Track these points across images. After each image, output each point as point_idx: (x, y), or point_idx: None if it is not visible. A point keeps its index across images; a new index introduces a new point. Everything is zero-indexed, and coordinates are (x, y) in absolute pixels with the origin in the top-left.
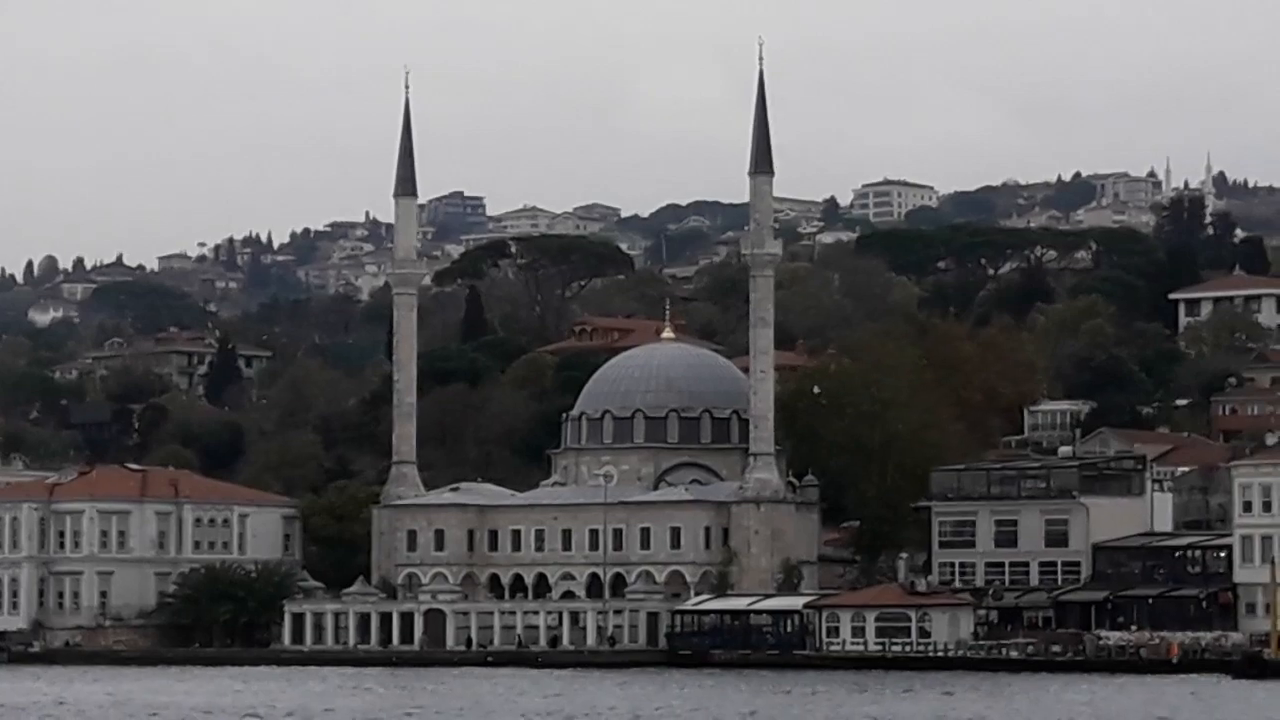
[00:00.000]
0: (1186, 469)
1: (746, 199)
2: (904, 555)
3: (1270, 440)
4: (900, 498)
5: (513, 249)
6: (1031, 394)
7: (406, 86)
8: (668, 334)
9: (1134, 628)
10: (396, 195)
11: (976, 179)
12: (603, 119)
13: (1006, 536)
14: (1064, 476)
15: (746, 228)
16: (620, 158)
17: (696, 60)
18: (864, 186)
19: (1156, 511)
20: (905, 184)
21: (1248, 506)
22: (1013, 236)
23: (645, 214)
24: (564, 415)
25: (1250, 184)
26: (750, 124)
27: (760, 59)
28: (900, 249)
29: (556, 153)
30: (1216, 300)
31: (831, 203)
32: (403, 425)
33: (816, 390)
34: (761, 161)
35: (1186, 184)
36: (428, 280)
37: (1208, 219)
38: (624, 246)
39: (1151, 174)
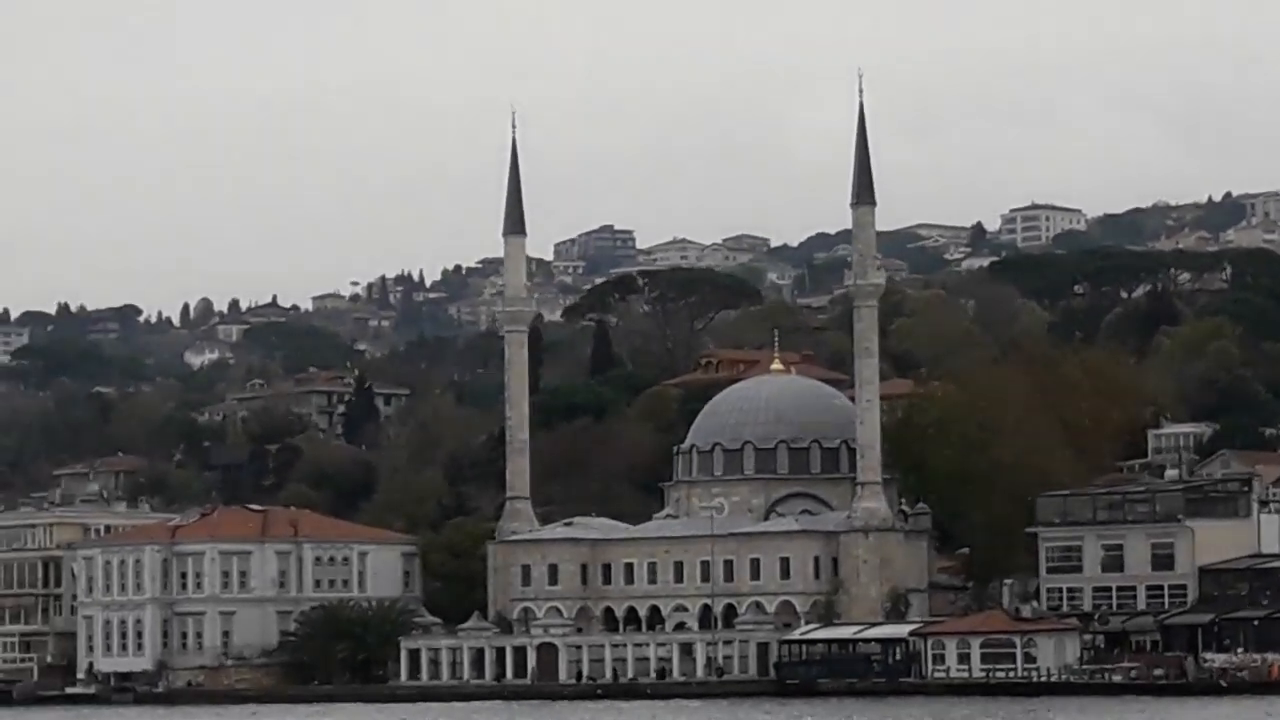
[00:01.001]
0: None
1: (900, 226)
2: (1009, 581)
3: None
4: (1009, 524)
5: (641, 283)
6: (1141, 418)
7: (514, 125)
8: (777, 365)
9: (1240, 650)
10: (505, 234)
11: (1127, 201)
12: (755, 149)
13: (1113, 561)
14: (1169, 500)
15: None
16: (771, 188)
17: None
18: (1011, 211)
19: (1264, 533)
20: (1053, 207)
21: None
22: (1145, 260)
23: (795, 244)
24: (675, 448)
25: None
26: (914, 152)
27: (860, 90)
28: (1033, 274)
29: (708, 185)
30: None
31: (979, 228)
32: (515, 461)
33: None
34: (863, 192)
35: None
36: (558, 316)
37: None
38: (774, 277)
39: None
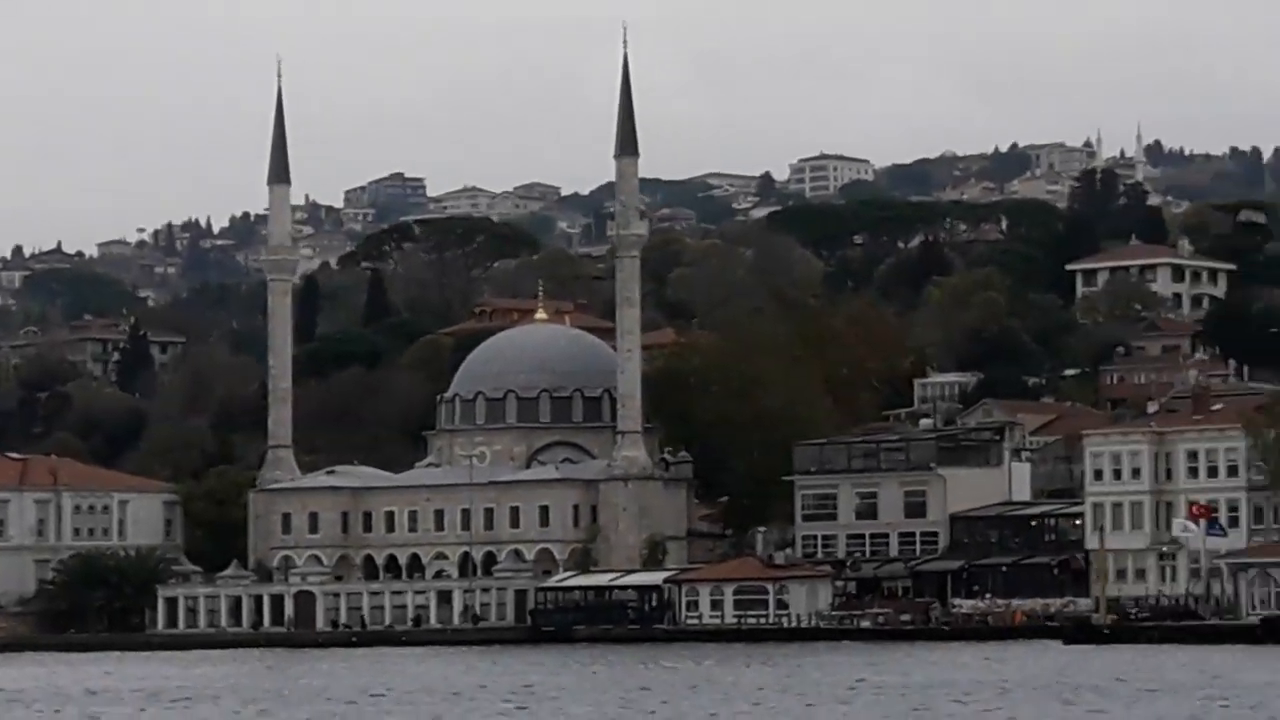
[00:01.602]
0: (1053, 438)
1: (690, 175)
2: (762, 529)
3: (1152, 408)
4: (769, 473)
5: (418, 231)
6: (905, 368)
7: (279, 75)
8: (541, 315)
9: (988, 596)
10: (270, 182)
11: (918, 152)
12: (548, 98)
13: (867, 509)
14: (922, 449)
15: (621, 207)
16: (563, 137)
17: (639, 36)
18: (800, 161)
19: (1015, 481)
20: (841, 158)
21: (1099, 474)
22: (921, 210)
23: (585, 192)
24: (438, 397)
25: (1186, 152)
26: (705, 103)
27: (625, 43)
28: (812, 224)
29: (500, 133)
30: (1113, 270)
31: (767, 178)
32: (278, 410)
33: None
34: (626, 144)
35: (1123, 153)
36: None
37: (1120, 189)
38: (564, 225)
39: (1087, 144)
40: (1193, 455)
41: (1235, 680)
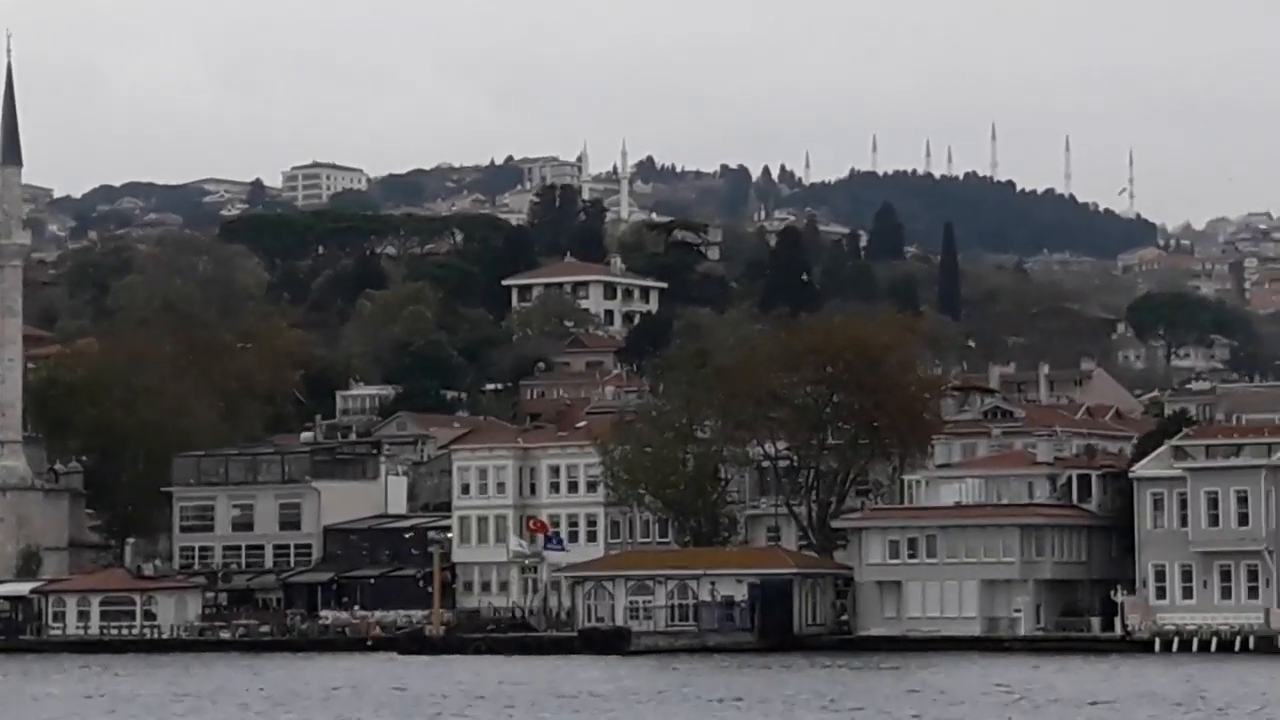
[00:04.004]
0: (438, 454)
1: (187, 180)
2: (131, 540)
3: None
4: (151, 484)
5: None
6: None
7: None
8: None
9: (356, 607)
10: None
11: (420, 161)
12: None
13: (244, 520)
14: (298, 462)
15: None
16: (70, 136)
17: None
18: (293, 169)
19: (391, 494)
20: (334, 166)
21: (466, 489)
22: (373, 222)
23: (78, 195)
24: None
25: (678, 169)
26: (213, 106)
27: (9, 51)
28: (262, 234)
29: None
30: (546, 286)
31: (258, 184)
32: None
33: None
34: (9, 153)
35: (616, 169)
36: None
37: (579, 205)
38: (54, 228)
39: (581, 158)
40: (555, 471)
41: (478, 687)
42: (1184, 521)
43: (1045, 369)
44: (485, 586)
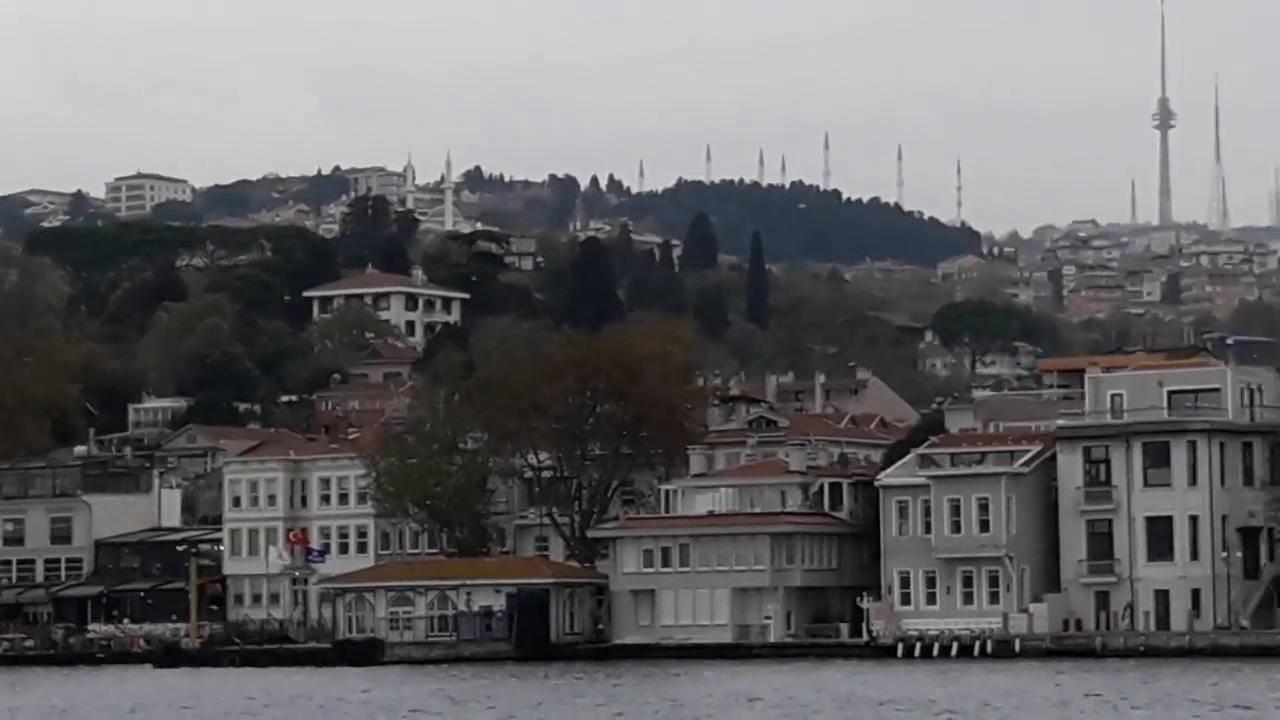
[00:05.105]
0: (215, 468)
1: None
2: None
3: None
4: None
5: None
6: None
7: None
8: None
9: (126, 621)
10: None
11: (251, 171)
12: None
13: (16, 535)
14: (69, 476)
15: None
16: None
17: None
18: (117, 180)
19: (165, 508)
20: (158, 177)
21: (237, 501)
22: (181, 235)
23: None
24: None
25: (507, 178)
26: (44, 116)
27: None
28: (71, 246)
29: None
30: (348, 298)
31: (80, 195)
32: None
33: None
34: None
35: (444, 178)
36: None
37: (392, 216)
38: None
39: (411, 167)
40: (325, 483)
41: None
42: (928, 528)
43: (821, 378)
44: (257, 599)
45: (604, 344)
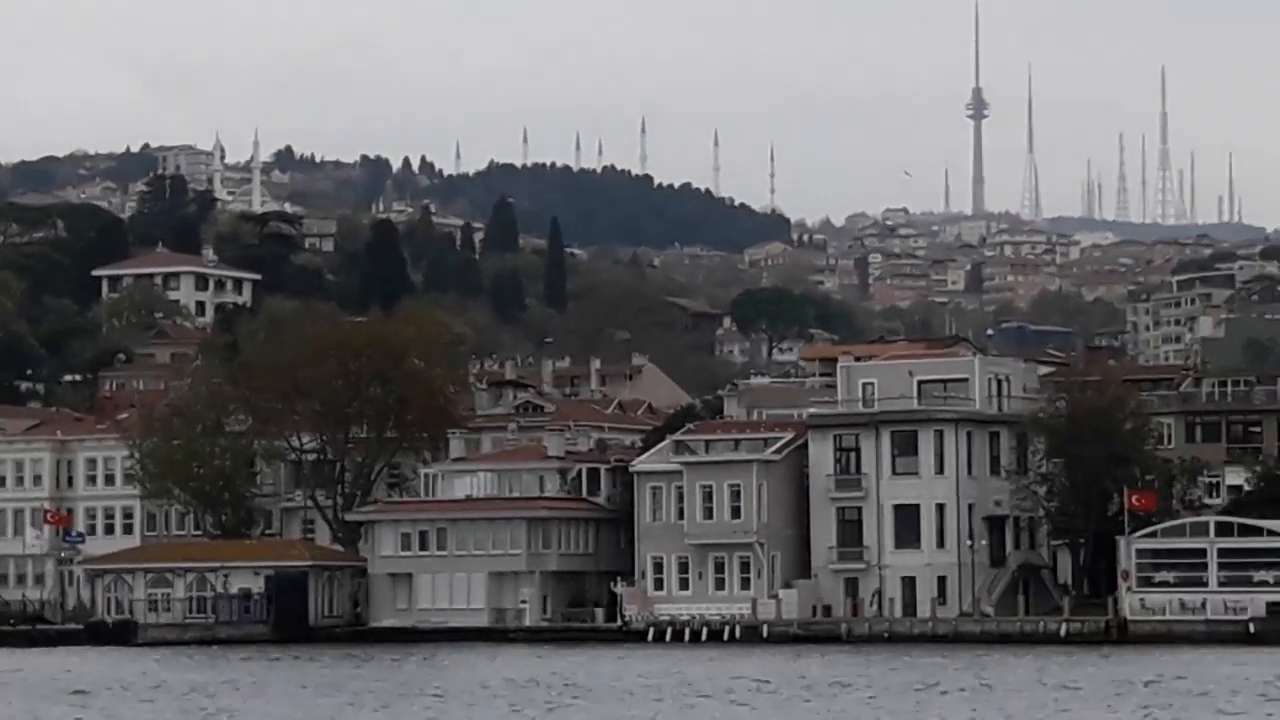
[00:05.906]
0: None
1: None
2: None
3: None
4: None
5: None
6: None
7: None
8: None
9: None
10: None
11: (48, 148)
12: None
13: None
14: None
15: None
16: None
17: None
18: None
19: None
20: None
21: (2, 481)
22: None
23: None
24: None
25: (318, 159)
26: None
27: None
28: None
29: None
30: (137, 277)
31: None
32: None
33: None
34: None
35: (253, 158)
36: None
37: (190, 195)
38: None
39: (220, 146)
40: (92, 463)
41: None
42: (681, 514)
43: (597, 364)
44: (21, 579)
45: (365, 326)
